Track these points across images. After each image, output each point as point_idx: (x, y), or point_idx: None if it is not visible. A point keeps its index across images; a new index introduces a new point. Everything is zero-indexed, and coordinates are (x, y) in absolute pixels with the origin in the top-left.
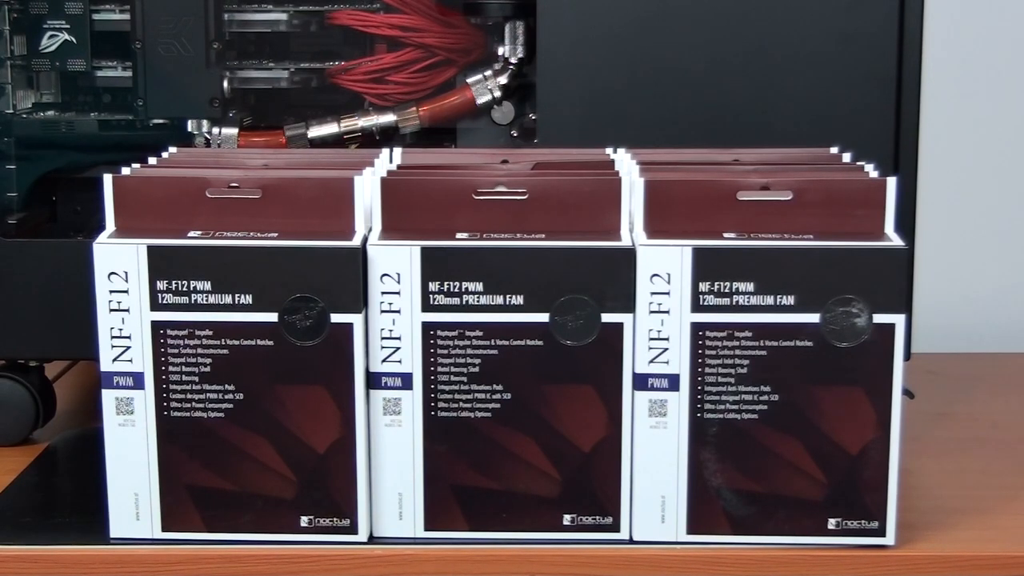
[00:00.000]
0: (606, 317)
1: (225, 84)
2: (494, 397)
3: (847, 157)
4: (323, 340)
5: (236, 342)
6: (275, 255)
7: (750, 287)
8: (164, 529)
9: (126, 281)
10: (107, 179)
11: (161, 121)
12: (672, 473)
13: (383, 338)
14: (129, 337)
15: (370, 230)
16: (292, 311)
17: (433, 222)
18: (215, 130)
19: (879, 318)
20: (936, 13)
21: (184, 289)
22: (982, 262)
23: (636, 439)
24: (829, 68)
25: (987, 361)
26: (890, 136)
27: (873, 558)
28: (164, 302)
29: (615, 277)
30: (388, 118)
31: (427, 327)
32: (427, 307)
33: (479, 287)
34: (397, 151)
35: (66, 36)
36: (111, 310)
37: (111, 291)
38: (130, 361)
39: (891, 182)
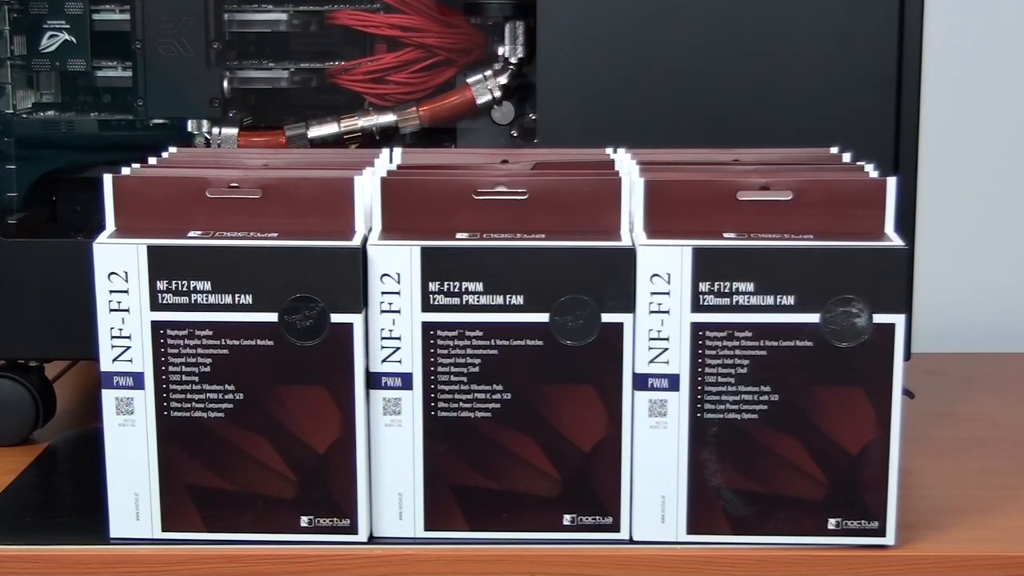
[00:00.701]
0: (606, 317)
1: (225, 84)
2: (494, 397)
3: (847, 157)
4: (323, 340)
5: (236, 342)
6: (275, 255)
7: (750, 287)
8: (164, 529)
9: (126, 281)
10: (107, 179)
11: (161, 121)
12: (672, 473)
13: (383, 338)
14: (129, 337)
15: (370, 230)
16: (292, 311)
17: (433, 222)
18: (215, 130)
19: (879, 318)
20: (936, 13)
21: (184, 289)
22: (982, 262)
23: (636, 439)
24: (829, 68)
25: (987, 361)
26: (890, 136)
27: (873, 558)
28: (164, 302)
29: (615, 277)
30: (388, 118)
31: (427, 327)
32: (427, 307)
33: (479, 287)
34: (397, 151)
35: (66, 36)
36: (111, 310)
37: (111, 291)
38: (130, 361)
39: (891, 182)
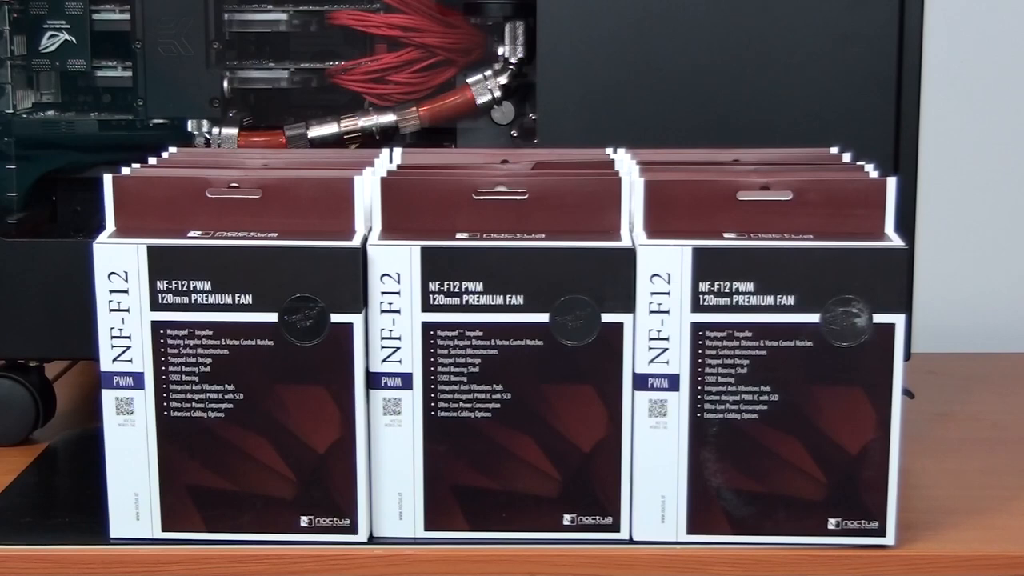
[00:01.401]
0: (606, 317)
1: (225, 84)
2: (494, 397)
3: (847, 157)
4: (323, 340)
5: (236, 342)
6: (275, 255)
7: (750, 287)
8: (164, 529)
9: (126, 281)
10: (107, 179)
11: (161, 121)
12: (672, 473)
13: (383, 338)
14: (129, 337)
15: (370, 230)
16: (292, 311)
17: (433, 222)
18: (215, 130)
19: (879, 318)
20: (936, 13)
21: (184, 289)
22: (982, 262)
23: (636, 439)
24: (829, 68)
25: (987, 361)
26: (890, 136)
27: (873, 558)
28: (164, 302)
29: (615, 277)
30: (388, 118)
31: (427, 327)
32: (427, 307)
33: (479, 287)
34: (397, 151)
35: (66, 36)
36: (111, 310)
37: (111, 291)
38: (130, 361)
39: (891, 182)
